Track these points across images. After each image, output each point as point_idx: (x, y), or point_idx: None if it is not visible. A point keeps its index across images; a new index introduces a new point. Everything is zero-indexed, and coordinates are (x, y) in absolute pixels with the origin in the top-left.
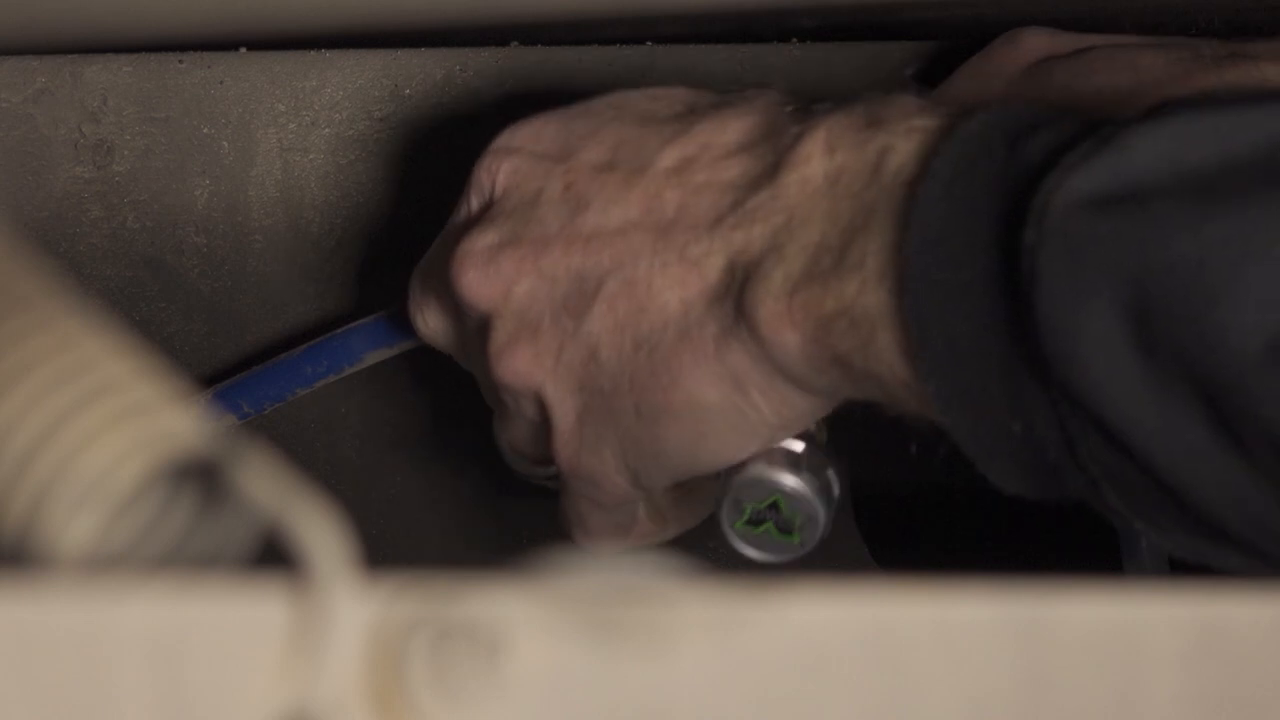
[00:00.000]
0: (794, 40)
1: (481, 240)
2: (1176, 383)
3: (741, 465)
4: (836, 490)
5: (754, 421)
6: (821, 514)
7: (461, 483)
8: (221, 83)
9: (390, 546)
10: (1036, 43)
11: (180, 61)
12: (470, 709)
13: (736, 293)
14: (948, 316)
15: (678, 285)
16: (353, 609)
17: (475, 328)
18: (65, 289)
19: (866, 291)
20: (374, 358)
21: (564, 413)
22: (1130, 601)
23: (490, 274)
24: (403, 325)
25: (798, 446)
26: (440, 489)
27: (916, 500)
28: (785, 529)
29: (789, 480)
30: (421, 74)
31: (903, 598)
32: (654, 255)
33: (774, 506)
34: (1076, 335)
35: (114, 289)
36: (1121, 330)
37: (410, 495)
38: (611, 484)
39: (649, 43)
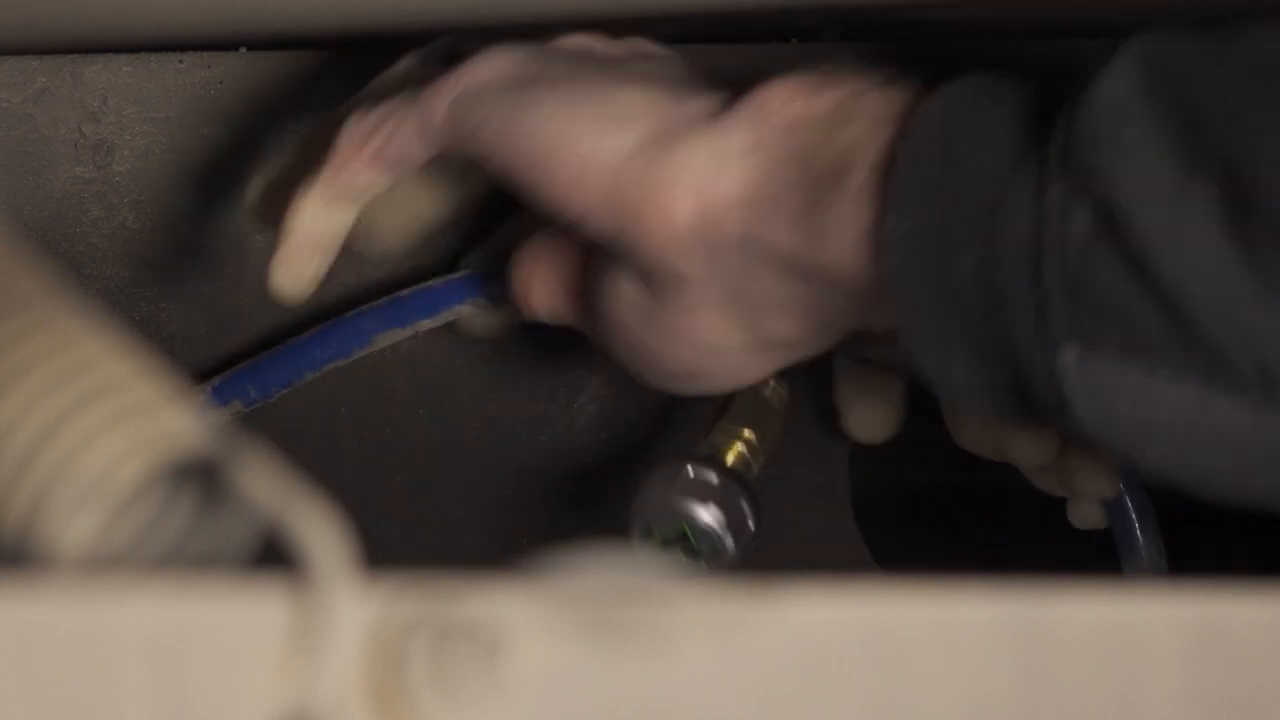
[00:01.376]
0: (794, 40)
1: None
2: (1205, 183)
3: (652, 493)
4: (751, 521)
5: (624, 118)
6: (729, 546)
7: (462, 482)
8: (221, 83)
9: (390, 546)
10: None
11: (180, 61)
12: (470, 709)
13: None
14: (945, 146)
15: None
16: (353, 609)
17: None
18: (65, 289)
19: (867, 134)
20: (384, 340)
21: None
22: (1130, 601)
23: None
24: (413, 308)
25: (713, 477)
26: (441, 488)
27: (916, 500)
28: (693, 556)
29: (697, 512)
30: None
31: (903, 598)
32: None
33: (682, 535)
34: (1121, 119)
35: (114, 289)
36: (1163, 123)
37: (410, 495)
38: (438, 108)
39: None
